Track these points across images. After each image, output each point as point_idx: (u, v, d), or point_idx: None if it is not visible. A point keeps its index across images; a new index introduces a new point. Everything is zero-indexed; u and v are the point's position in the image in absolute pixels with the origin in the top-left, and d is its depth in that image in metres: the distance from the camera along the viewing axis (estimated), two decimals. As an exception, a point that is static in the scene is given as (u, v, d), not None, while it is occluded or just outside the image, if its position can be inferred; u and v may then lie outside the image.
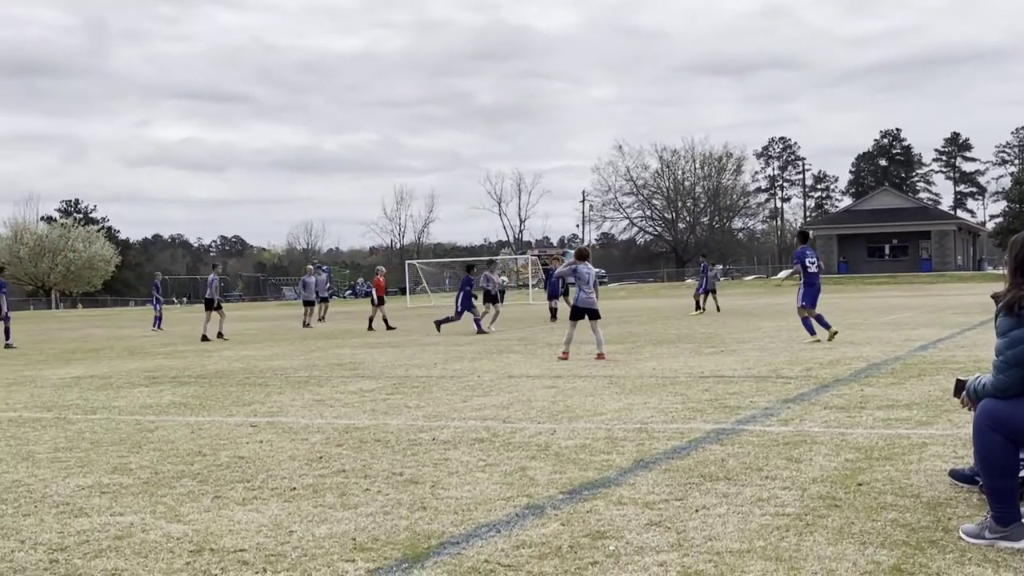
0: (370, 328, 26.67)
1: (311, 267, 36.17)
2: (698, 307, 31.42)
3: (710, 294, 32.54)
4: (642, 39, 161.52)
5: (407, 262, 64.14)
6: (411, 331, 25.64)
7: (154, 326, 32.51)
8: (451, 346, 18.91)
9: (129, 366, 16.56)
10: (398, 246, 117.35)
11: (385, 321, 26.96)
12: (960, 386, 4.94)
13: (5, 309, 23.63)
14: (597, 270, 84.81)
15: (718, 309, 32.71)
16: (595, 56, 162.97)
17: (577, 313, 15.07)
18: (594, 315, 14.94)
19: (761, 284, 66.43)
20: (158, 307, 33.12)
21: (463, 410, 9.47)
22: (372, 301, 27.78)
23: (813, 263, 16.94)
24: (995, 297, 4.62)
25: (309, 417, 9.32)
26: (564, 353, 14.82)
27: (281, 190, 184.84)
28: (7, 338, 23.74)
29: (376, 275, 28.66)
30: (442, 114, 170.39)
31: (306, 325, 30.23)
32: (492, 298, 25.66)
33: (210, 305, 25.48)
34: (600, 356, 14.53)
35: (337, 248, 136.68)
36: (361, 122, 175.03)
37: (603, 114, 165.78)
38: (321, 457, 7.13)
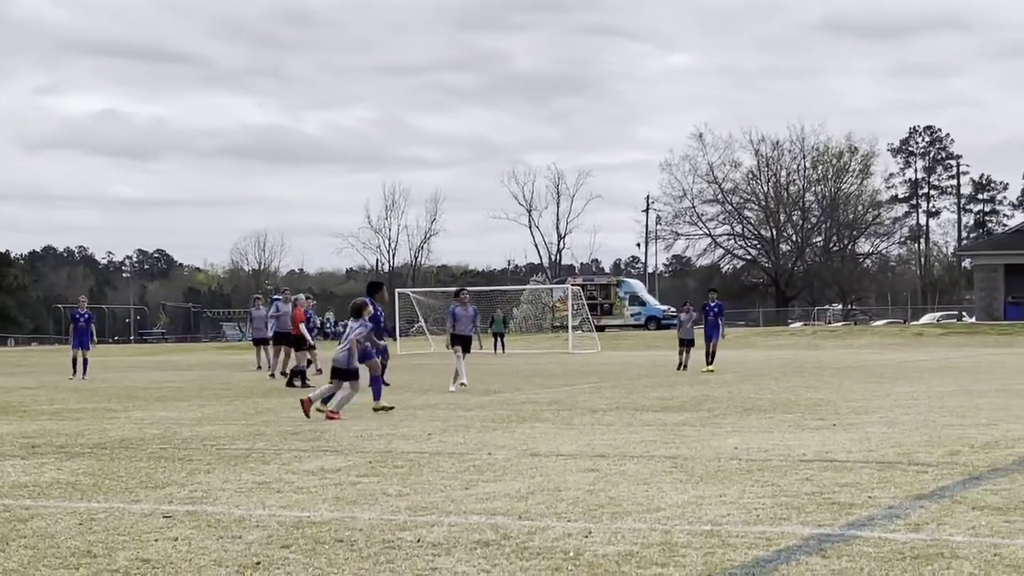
0: (290, 383, 26.57)
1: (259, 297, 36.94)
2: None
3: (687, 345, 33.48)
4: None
5: (397, 291, 64.30)
6: (400, 388, 25.63)
7: (75, 372, 32.50)
8: (454, 410, 18.93)
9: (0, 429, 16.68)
10: (386, 268, 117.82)
11: (287, 375, 27.34)
12: None
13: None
14: (665, 307, 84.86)
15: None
16: (683, 7, 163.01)
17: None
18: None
19: (897, 332, 66.19)
20: (79, 346, 32.97)
21: (463, 500, 9.48)
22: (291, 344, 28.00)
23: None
24: None
25: (246, 506, 9.34)
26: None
27: (231, 187, 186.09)
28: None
29: (296, 305, 28.86)
30: (465, 84, 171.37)
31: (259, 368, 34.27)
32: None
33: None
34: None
35: (301, 270, 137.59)
36: (355, 94, 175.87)
37: (690, 89, 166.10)
38: (259, 563, 7.15)
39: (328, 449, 13.46)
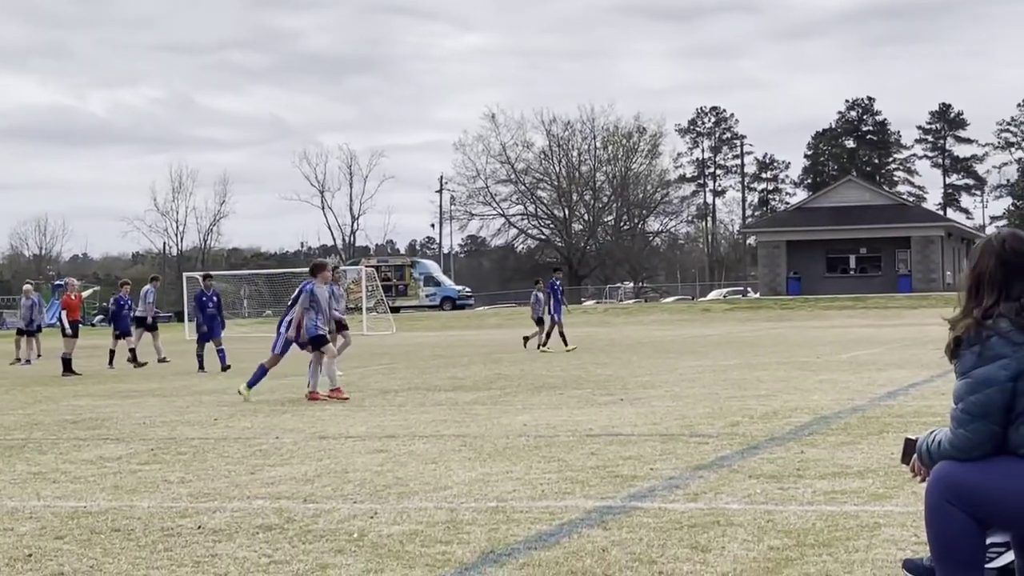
0: (66, 371, 26.13)
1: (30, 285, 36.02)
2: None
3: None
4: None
5: (185, 275, 63.05)
6: (186, 374, 25.25)
7: None
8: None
9: None
10: (174, 252, 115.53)
11: (64, 361, 26.72)
12: (910, 448, 5.09)
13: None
14: (460, 287, 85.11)
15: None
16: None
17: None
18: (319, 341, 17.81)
19: (685, 308, 67.84)
20: None
21: (248, 485, 9.41)
22: (63, 331, 27.32)
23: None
24: (951, 324, 4.82)
25: (20, 498, 9.12)
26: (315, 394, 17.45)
27: (12, 170, 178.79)
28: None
29: (66, 291, 28.57)
30: (256, 63, 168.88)
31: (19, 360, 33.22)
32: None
33: (143, 323, 29.46)
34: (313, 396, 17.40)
35: (85, 255, 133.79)
36: (141, 73, 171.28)
37: (484, 69, 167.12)
38: (31, 555, 7.00)
39: (109, 437, 13.19)
